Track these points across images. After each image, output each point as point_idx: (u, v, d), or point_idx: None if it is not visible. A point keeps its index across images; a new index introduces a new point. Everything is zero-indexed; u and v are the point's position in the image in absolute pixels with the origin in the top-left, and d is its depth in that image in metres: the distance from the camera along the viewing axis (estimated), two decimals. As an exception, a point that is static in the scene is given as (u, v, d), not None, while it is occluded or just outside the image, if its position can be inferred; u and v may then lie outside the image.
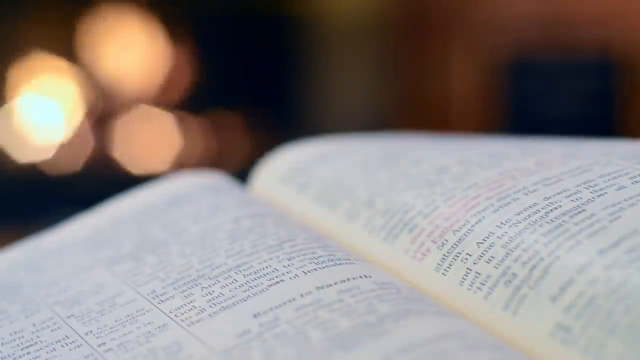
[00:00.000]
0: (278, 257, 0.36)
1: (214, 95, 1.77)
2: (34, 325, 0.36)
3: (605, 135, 0.44)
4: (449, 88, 1.73)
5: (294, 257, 0.35)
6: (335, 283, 0.33)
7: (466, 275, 0.34)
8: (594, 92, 1.66)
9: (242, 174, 0.52)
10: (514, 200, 0.36)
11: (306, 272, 0.34)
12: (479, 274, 0.33)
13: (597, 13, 1.63)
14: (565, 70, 1.66)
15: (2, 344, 0.35)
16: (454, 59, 1.72)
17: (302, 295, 0.32)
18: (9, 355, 0.34)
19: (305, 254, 0.35)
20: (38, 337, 0.35)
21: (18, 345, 0.35)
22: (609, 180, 0.35)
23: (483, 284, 0.33)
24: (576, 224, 0.33)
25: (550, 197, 0.35)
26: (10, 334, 0.36)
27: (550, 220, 0.34)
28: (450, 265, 0.34)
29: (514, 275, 0.32)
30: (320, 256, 0.35)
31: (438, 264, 0.35)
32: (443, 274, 0.34)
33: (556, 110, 1.66)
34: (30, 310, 0.37)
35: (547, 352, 0.30)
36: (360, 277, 0.34)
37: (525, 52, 1.69)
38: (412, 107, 1.79)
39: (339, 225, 0.40)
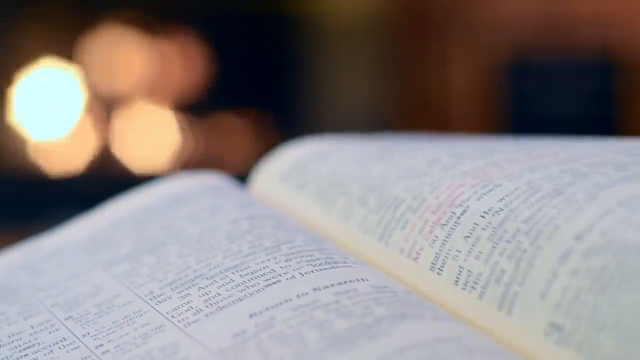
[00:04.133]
0: (275, 258, 0.36)
1: (214, 95, 1.77)
2: (32, 327, 0.36)
3: (605, 135, 0.44)
4: (449, 88, 1.73)
5: (291, 259, 0.35)
6: (332, 285, 0.33)
7: (459, 274, 0.33)
8: (594, 92, 1.66)
9: (242, 174, 0.52)
10: (497, 186, 0.35)
11: (303, 273, 0.34)
12: (471, 271, 0.33)
13: (597, 13, 1.63)
14: (565, 70, 1.66)
15: (1, 345, 0.35)
16: (454, 59, 1.72)
17: (298, 296, 0.32)
18: (7, 357, 0.34)
19: (302, 256, 0.36)
20: (36, 338, 0.35)
21: (16, 347, 0.35)
22: (593, 167, 0.34)
23: (476, 283, 0.32)
24: (554, 207, 0.32)
25: (532, 181, 0.34)
26: (9, 336, 0.36)
27: (531, 204, 0.33)
28: (443, 263, 0.34)
29: (502, 271, 0.31)
30: (318, 258, 0.35)
31: (432, 263, 0.34)
32: (438, 273, 0.34)
33: (556, 110, 1.66)
34: (29, 312, 0.37)
35: (545, 353, 0.29)
36: (357, 279, 0.33)
37: (525, 52, 1.69)
38: (412, 107, 1.79)
39: (336, 224, 0.39)
